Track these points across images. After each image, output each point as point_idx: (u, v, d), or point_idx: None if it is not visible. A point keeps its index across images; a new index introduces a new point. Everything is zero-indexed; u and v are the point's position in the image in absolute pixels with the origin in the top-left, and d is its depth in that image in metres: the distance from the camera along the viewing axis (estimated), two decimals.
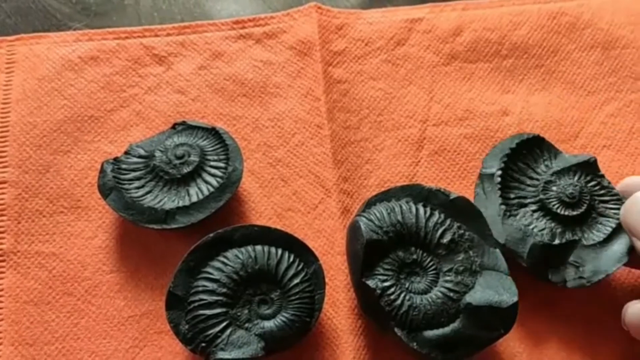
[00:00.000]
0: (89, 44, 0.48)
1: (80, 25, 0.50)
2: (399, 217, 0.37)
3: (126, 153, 0.42)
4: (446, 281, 0.36)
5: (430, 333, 0.35)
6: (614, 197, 0.39)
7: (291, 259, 0.38)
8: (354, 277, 0.37)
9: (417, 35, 0.49)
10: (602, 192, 0.40)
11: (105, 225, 0.43)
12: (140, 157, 0.42)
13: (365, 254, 0.36)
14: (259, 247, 0.38)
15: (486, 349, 0.36)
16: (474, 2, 0.50)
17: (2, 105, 0.46)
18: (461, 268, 0.36)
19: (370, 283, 0.35)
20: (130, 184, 0.41)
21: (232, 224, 0.41)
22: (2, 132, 0.45)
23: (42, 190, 0.43)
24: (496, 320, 0.35)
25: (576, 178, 0.40)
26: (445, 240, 0.37)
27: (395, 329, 0.35)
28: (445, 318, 0.35)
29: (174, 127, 0.44)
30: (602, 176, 0.40)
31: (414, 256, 0.37)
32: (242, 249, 0.38)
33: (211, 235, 0.38)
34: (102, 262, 0.42)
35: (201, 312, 0.36)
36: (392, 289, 0.35)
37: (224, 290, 0.37)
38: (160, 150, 0.42)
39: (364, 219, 0.37)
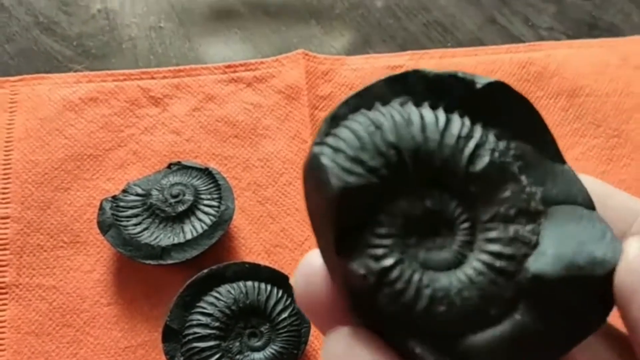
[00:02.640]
0: (88, 85, 0.51)
1: (80, 67, 0.53)
2: (391, 137, 0.18)
3: (124, 191, 0.45)
4: (489, 240, 0.19)
5: (476, 340, 0.18)
6: None
7: (279, 294, 0.41)
8: (324, 254, 0.19)
9: None
10: None
11: (103, 260, 0.45)
12: (137, 195, 0.45)
13: (340, 215, 0.18)
14: (249, 283, 0.41)
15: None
16: (451, 50, 0.54)
17: (5, 144, 0.48)
18: (512, 211, 0.19)
19: (356, 267, 0.18)
20: (128, 221, 0.44)
21: (224, 259, 0.44)
22: (5, 169, 0.47)
23: (43, 226, 0.46)
24: (591, 297, 0.18)
25: None
26: (479, 165, 0.19)
27: (412, 344, 0.18)
28: (497, 309, 0.18)
29: (169, 166, 0.46)
30: None
31: (428, 203, 0.19)
32: (234, 285, 0.41)
33: (205, 271, 0.41)
34: (100, 294, 0.44)
35: (195, 344, 0.39)
36: (396, 271, 0.18)
37: (217, 324, 0.40)
38: (156, 189, 0.45)
39: (326, 148, 0.18)
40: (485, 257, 0.18)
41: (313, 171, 0.18)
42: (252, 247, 0.46)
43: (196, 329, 0.40)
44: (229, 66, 0.52)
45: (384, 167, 0.18)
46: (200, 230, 0.43)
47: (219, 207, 0.44)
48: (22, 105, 0.50)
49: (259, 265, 0.42)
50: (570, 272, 0.18)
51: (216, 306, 0.40)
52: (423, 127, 0.19)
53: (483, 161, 0.19)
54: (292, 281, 0.22)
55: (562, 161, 0.20)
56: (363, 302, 0.18)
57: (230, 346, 0.40)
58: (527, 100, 0.20)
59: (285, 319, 0.40)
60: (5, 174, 0.47)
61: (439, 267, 0.18)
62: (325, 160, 0.18)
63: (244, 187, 0.48)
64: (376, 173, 0.18)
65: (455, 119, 0.19)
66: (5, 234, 0.45)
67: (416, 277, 0.18)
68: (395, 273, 0.18)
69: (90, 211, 0.46)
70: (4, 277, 0.44)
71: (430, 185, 0.19)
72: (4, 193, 0.47)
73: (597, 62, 0.54)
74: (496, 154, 0.19)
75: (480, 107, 0.20)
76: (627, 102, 0.52)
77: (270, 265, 0.42)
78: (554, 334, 0.18)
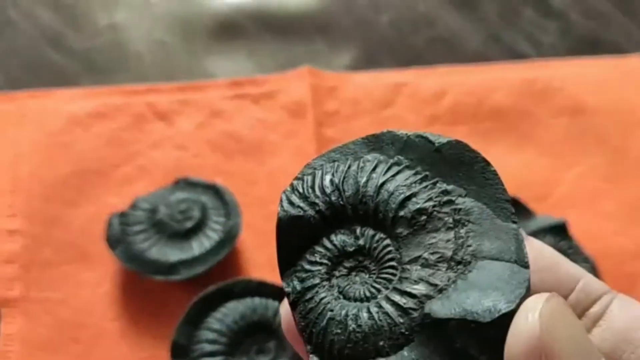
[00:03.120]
0: (96, 100, 0.51)
1: (87, 82, 0.53)
2: (337, 180, 0.22)
3: (132, 207, 0.45)
4: (401, 279, 0.21)
5: None
6: (581, 256, 0.43)
7: None
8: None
9: (402, 98, 0.53)
10: (570, 251, 0.44)
11: (110, 275, 0.45)
12: (145, 211, 0.45)
13: (280, 240, 0.22)
14: (257, 299, 0.42)
15: None
16: (455, 67, 0.55)
17: (12, 159, 0.49)
18: (434, 257, 0.20)
19: (285, 286, 0.22)
20: (136, 236, 0.44)
21: (231, 275, 0.44)
22: (12, 184, 0.48)
23: (50, 241, 0.46)
24: (476, 344, 0.19)
25: (547, 239, 0.44)
26: (407, 210, 0.21)
27: (311, 356, 0.21)
28: (387, 341, 0.20)
29: (177, 182, 0.47)
30: (571, 238, 0.44)
31: (360, 241, 0.21)
32: (242, 301, 0.41)
33: (212, 287, 0.42)
34: (108, 309, 0.44)
35: None
36: (312, 292, 0.21)
37: (224, 339, 0.40)
38: (164, 205, 0.45)
39: (289, 188, 0.23)
40: (391, 294, 0.20)
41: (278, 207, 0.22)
42: (259, 263, 0.46)
43: (204, 345, 0.40)
44: (234, 82, 0.53)
45: (324, 203, 0.22)
46: (208, 247, 0.44)
47: (226, 223, 0.45)
48: (29, 119, 0.50)
49: (265, 282, 0.42)
50: (460, 315, 0.19)
51: (224, 322, 0.41)
52: (371, 174, 0.22)
53: (413, 207, 0.21)
54: (280, 309, 0.23)
55: (513, 221, 0.21)
56: (294, 317, 0.22)
57: None
58: (483, 158, 0.22)
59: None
60: (13, 189, 0.47)
61: (353, 298, 0.21)
62: (283, 196, 0.22)
63: (250, 203, 0.48)
64: (314, 208, 0.22)
65: (408, 172, 0.22)
66: (14, 248, 0.46)
67: (326, 300, 0.21)
68: (309, 295, 0.21)
69: (97, 226, 0.47)
70: (12, 291, 0.44)
71: (366, 225, 0.22)
72: (11, 208, 0.47)
73: (600, 80, 0.54)
74: (430, 203, 0.21)
75: (440, 164, 0.22)
76: (629, 120, 0.52)
77: (277, 282, 0.43)
78: None
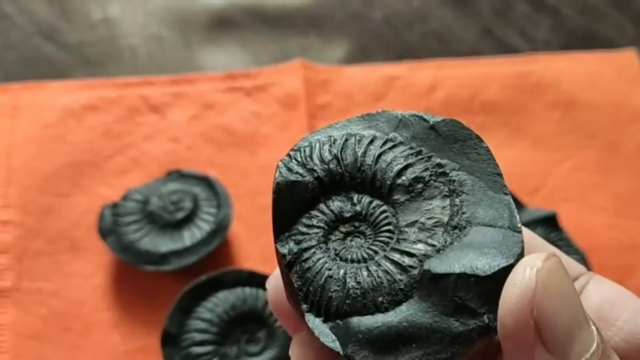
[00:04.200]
0: (89, 93, 0.52)
1: (81, 75, 0.53)
2: (336, 150, 0.22)
3: (124, 198, 0.46)
4: (399, 240, 0.21)
5: (360, 322, 0.20)
6: (571, 248, 0.43)
7: None
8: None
9: (395, 91, 0.53)
10: (560, 243, 0.44)
11: (102, 265, 0.46)
12: (137, 202, 0.45)
13: (277, 206, 0.22)
14: (247, 290, 0.42)
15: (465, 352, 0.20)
16: (448, 61, 0.55)
17: (6, 150, 0.49)
18: (431, 221, 0.21)
19: (280, 247, 0.22)
20: (127, 227, 0.44)
21: (222, 266, 0.45)
22: (6, 175, 0.48)
23: (43, 231, 0.46)
24: (476, 297, 0.20)
25: (538, 231, 0.44)
26: (404, 178, 0.22)
27: (306, 316, 0.21)
28: (386, 297, 0.20)
29: (169, 174, 0.47)
30: (562, 230, 0.44)
31: (357, 207, 0.22)
32: (232, 291, 0.42)
33: (203, 277, 0.42)
34: (100, 300, 0.44)
35: (193, 349, 0.40)
36: (309, 253, 0.21)
37: (215, 329, 0.40)
38: (156, 196, 0.45)
39: (286, 157, 0.23)
40: (389, 253, 0.21)
41: (274, 175, 0.22)
42: (250, 254, 0.47)
43: (194, 334, 0.40)
44: (228, 75, 0.53)
45: (322, 171, 0.22)
46: (199, 237, 0.44)
47: (217, 214, 0.45)
48: (23, 111, 0.50)
49: (256, 272, 0.42)
50: (460, 270, 0.20)
51: (214, 312, 0.41)
52: (368, 146, 0.22)
53: (410, 176, 0.22)
54: (267, 285, 0.24)
55: (504, 192, 0.22)
56: (285, 281, 0.22)
57: (228, 351, 0.40)
58: (476, 135, 0.23)
59: (282, 325, 0.41)
60: (6, 180, 0.48)
61: (350, 260, 0.21)
62: (280, 164, 0.22)
63: (243, 194, 0.48)
64: (313, 174, 0.22)
65: (403, 146, 0.23)
66: (6, 238, 0.46)
67: (322, 261, 0.21)
68: (306, 255, 0.21)
69: (90, 217, 0.47)
70: (4, 281, 0.44)
71: (363, 192, 0.22)
72: (4, 198, 0.47)
73: (592, 75, 0.54)
74: (427, 173, 0.22)
75: (435, 140, 0.23)
76: (621, 114, 0.53)
77: (268, 272, 0.43)
78: (440, 330, 0.20)
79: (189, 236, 0.44)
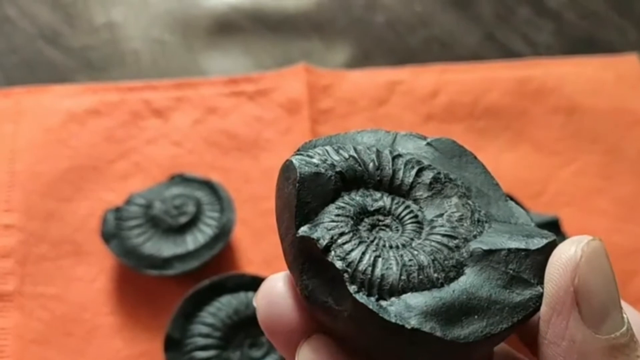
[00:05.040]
0: (92, 97, 0.52)
1: (84, 79, 0.53)
2: (352, 152, 0.22)
3: (127, 202, 0.46)
4: (437, 225, 0.22)
5: (417, 298, 0.20)
6: None
7: None
8: (284, 243, 0.22)
9: (398, 96, 0.53)
10: None
11: (105, 270, 0.46)
12: (140, 206, 0.45)
13: (300, 196, 0.21)
14: (250, 294, 0.42)
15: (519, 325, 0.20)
16: (451, 66, 0.55)
17: (9, 154, 0.49)
18: (457, 215, 0.22)
19: (309, 233, 0.21)
20: (130, 231, 0.44)
21: (225, 270, 0.45)
22: (9, 179, 0.48)
23: (46, 235, 0.46)
24: (528, 269, 0.21)
25: None
26: (424, 177, 0.22)
27: (357, 295, 0.19)
28: (440, 273, 0.20)
29: (172, 178, 0.47)
30: (564, 235, 0.44)
31: (380, 202, 0.22)
32: (235, 295, 0.42)
33: (206, 281, 0.42)
34: (102, 304, 0.44)
35: (196, 354, 0.40)
36: (347, 237, 0.21)
37: (218, 333, 0.40)
38: (159, 201, 0.45)
39: (299, 156, 0.22)
40: (432, 237, 0.21)
41: (286, 171, 0.22)
42: (252, 259, 0.47)
43: (197, 339, 0.40)
44: (230, 79, 0.53)
45: (344, 167, 0.22)
46: (202, 242, 0.44)
47: (220, 218, 0.45)
48: (26, 115, 0.51)
49: (259, 277, 0.42)
50: (507, 245, 0.21)
51: (217, 316, 0.41)
52: (379, 154, 0.23)
53: (429, 175, 0.22)
54: (254, 302, 0.22)
55: (506, 199, 0.23)
56: (315, 278, 0.21)
57: (231, 356, 0.40)
58: (471, 152, 0.24)
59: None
60: (9, 184, 0.48)
61: (389, 245, 0.21)
62: (295, 160, 0.21)
63: (245, 199, 0.48)
64: (334, 169, 0.22)
65: (405, 155, 0.23)
66: (9, 243, 0.46)
67: (364, 244, 0.21)
68: (344, 239, 0.21)
69: (92, 221, 0.47)
70: (7, 285, 0.44)
71: (383, 190, 0.22)
72: (7, 203, 0.47)
73: (594, 79, 0.55)
74: (442, 174, 0.23)
75: (433, 154, 0.23)
76: (623, 119, 0.53)
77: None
78: (498, 301, 0.20)
79: (192, 240, 0.44)
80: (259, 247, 0.47)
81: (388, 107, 0.53)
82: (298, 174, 0.21)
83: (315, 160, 0.22)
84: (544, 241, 0.21)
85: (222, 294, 0.42)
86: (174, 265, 0.43)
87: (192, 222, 0.45)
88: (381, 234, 0.21)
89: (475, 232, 0.21)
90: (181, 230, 0.45)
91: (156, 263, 0.43)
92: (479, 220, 0.22)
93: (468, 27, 0.58)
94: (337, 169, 0.22)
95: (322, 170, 0.21)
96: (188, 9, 0.58)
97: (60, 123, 0.50)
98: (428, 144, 0.24)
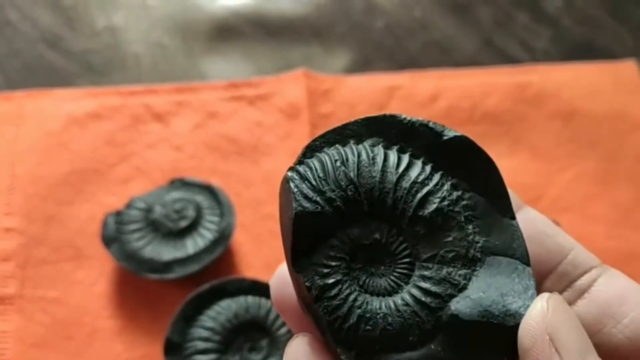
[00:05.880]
0: (93, 101, 0.52)
1: (85, 83, 0.54)
2: (352, 174, 0.22)
3: (128, 206, 0.46)
4: (423, 277, 0.22)
5: (393, 359, 0.21)
6: None
7: None
8: (287, 263, 0.23)
9: (397, 101, 0.53)
10: None
11: (105, 273, 0.46)
12: (141, 210, 0.46)
13: (296, 233, 0.21)
14: (250, 298, 0.42)
15: None
16: (450, 71, 0.55)
17: (10, 158, 0.49)
18: (450, 255, 0.22)
19: (304, 280, 0.21)
20: (131, 235, 0.45)
21: (225, 274, 0.45)
22: (10, 183, 0.48)
23: (46, 239, 0.46)
24: (498, 343, 0.21)
25: None
26: (427, 210, 0.22)
27: (339, 351, 0.21)
28: (415, 337, 0.21)
29: (172, 182, 0.47)
30: None
31: (376, 235, 0.22)
32: (235, 299, 0.42)
33: (206, 285, 0.42)
34: (103, 308, 0.45)
35: (196, 357, 0.40)
36: (336, 289, 0.21)
37: (218, 337, 0.40)
38: (159, 205, 0.46)
39: (296, 175, 0.22)
40: (415, 292, 0.21)
41: (284, 192, 0.22)
42: (252, 263, 0.47)
43: (197, 343, 0.40)
44: (231, 84, 0.53)
45: (340, 199, 0.21)
46: (202, 246, 0.44)
47: (220, 223, 0.45)
48: (27, 119, 0.51)
49: (259, 281, 0.43)
50: (484, 317, 0.21)
51: (217, 320, 0.41)
52: (384, 168, 0.22)
53: (431, 208, 0.22)
54: (270, 282, 0.24)
55: (512, 217, 0.22)
56: (309, 309, 0.22)
57: (230, 359, 0.40)
58: (488, 155, 0.23)
59: (284, 333, 0.41)
60: (10, 188, 0.48)
61: (375, 292, 0.22)
62: (292, 185, 0.21)
63: (245, 203, 0.49)
64: (332, 204, 0.21)
65: (417, 164, 0.22)
66: (10, 246, 0.46)
67: (352, 297, 0.21)
68: (334, 291, 0.21)
69: (93, 225, 0.47)
70: (8, 288, 0.45)
71: (380, 219, 0.22)
72: (8, 206, 0.47)
73: (592, 85, 0.55)
74: (445, 203, 0.22)
75: (444, 156, 0.22)
76: (621, 125, 0.53)
77: None
78: None
79: (192, 244, 0.44)
80: (259, 251, 0.47)
81: (387, 112, 0.53)
82: (293, 213, 0.21)
83: (311, 190, 0.21)
84: (518, 319, 0.21)
85: (222, 298, 0.42)
86: (174, 269, 0.43)
87: (193, 226, 0.45)
88: (371, 269, 0.22)
89: (462, 283, 0.21)
90: (181, 234, 0.45)
91: (156, 267, 0.43)
92: (472, 259, 0.22)
93: (467, 32, 0.58)
94: (335, 204, 0.21)
95: (319, 209, 0.21)
96: (189, 14, 0.58)
97: (61, 127, 0.51)
98: (444, 143, 0.22)
